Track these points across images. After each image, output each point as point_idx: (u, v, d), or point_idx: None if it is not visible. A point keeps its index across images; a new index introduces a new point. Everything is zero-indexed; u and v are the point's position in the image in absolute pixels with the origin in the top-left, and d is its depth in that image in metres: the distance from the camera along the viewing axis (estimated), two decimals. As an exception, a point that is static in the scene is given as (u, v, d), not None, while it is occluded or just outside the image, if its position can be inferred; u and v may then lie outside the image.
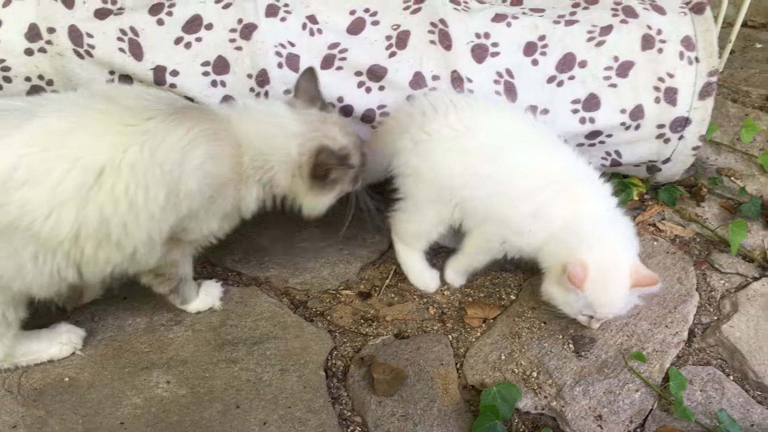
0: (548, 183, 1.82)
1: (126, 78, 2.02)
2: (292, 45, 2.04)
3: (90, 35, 1.97)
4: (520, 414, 1.75)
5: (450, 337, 1.94)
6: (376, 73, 2.06)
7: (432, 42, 2.08)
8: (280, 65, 2.02)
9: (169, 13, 2.02)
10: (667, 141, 2.17)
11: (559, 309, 1.84)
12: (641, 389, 1.79)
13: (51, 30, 1.94)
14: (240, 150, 1.68)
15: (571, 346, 1.89)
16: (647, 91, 2.11)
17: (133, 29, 2.00)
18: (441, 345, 1.91)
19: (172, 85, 2.00)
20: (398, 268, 2.12)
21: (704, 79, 2.10)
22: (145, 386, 1.75)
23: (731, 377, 1.85)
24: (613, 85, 2.11)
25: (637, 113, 2.12)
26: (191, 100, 1.99)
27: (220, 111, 1.74)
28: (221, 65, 2.02)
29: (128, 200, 1.48)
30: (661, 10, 2.15)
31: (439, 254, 2.17)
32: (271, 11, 2.05)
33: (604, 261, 1.74)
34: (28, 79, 1.99)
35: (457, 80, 2.06)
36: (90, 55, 1.97)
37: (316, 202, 1.81)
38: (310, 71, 1.86)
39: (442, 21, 2.08)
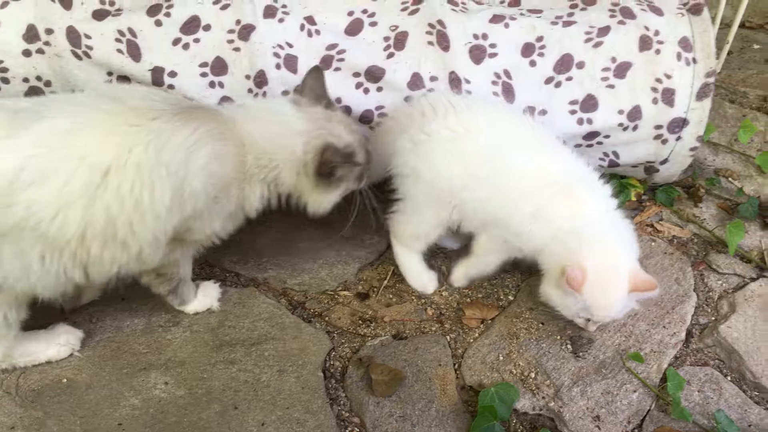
0: (547, 184, 1.82)
1: (124, 79, 2.02)
2: (290, 46, 2.04)
3: (88, 36, 1.97)
4: (518, 415, 1.75)
5: (448, 337, 1.94)
6: (374, 74, 2.07)
7: (430, 43, 2.08)
8: (278, 66, 2.02)
9: (167, 14, 2.02)
10: (664, 142, 2.17)
11: (556, 310, 1.85)
12: (639, 390, 1.79)
13: (49, 31, 1.94)
14: (244, 150, 1.68)
15: (569, 346, 1.89)
16: (645, 92, 2.12)
17: (131, 30, 2.00)
18: (439, 346, 1.91)
19: (170, 86, 2.00)
20: (396, 269, 2.12)
21: (702, 80, 2.10)
22: (143, 387, 1.75)
23: (729, 378, 1.86)
24: (611, 86, 2.11)
25: (635, 114, 2.12)
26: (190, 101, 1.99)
27: (225, 110, 1.74)
28: (219, 66, 2.02)
29: (134, 200, 1.48)
30: (658, 11, 2.15)
31: (437, 255, 2.17)
32: (269, 12, 2.05)
33: (603, 264, 1.74)
34: (26, 80, 1.99)
35: (455, 81, 2.07)
36: (88, 56, 1.97)
37: (321, 200, 1.81)
38: (317, 70, 1.86)
39: (440, 22, 2.09)
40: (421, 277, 2.08)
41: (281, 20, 2.05)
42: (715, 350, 1.92)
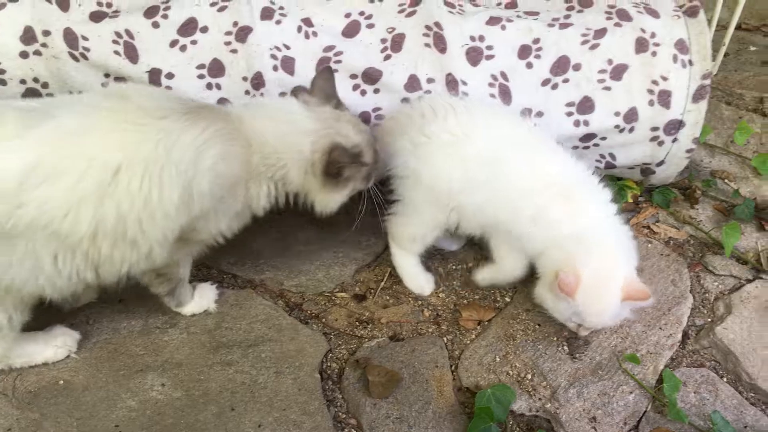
0: (546, 186, 1.82)
1: (121, 81, 2.02)
2: (288, 48, 2.04)
3: (85, 38, 1.97)
4: (514, 416, 1.76)
5: (445, 339, 1.95)
6: (371, 76, 2.07)
7: (427, 45, 2.09)
8: (275, 68, 2.02)
9: (165, 16, 2.02)
10: (660, 144, 2.18)
11: (549, 313, 1.85)
12: (635, 391, 1.79)
13: (46, 33, 1.94)
14: (250, 149, 1.68)
15: (565, 348, 1.90)
16: (641, 94, 2.12)
17: (128, 32, 2.00)
18: (436, 347, 1.91)
19: (168, 88, 2.00)
20: (393, 270, 2.12)
21: (698, 82, 2.11)
22: (140, 389, 1.75)
23: (725, 379, 1.86)
24: (607, 88, 2.12)
25: (631, 116, 2.12)
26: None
27: (233, 110, 1.75)
28: (216, 68, 2.03)
29: (143, 198, 1.49)
30: (654, 14, 2.16)
31: (434, 257, 2.17)
32: (267, 14, 2.05)
33: (599, 271, 1.73)
34: (23, 81, 1.99)
35: (451, 83, 2.07)
36: (85, 57, 1.97)
37: (328, 200, 1.81)
38: (328, 70, 1.88)
39: (437, 24, 2.09)
40: (418, 279, 2.09)
41: (278, 22, 2.05)
42: (711, 352, 1.93)
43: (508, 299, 2.07)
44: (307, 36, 2.07)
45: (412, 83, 2.07)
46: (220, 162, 1.59)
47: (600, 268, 1.74)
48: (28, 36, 1.95)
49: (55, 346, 1.80)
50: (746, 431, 1.72)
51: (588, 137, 2.15)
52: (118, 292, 1.79)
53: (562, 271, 1.70)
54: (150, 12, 2.02)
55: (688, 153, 2.21)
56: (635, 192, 2.43)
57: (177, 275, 1.82)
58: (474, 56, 2.10)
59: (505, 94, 2.10)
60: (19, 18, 1.94)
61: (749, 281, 2.13)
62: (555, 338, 1.92)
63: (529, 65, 2.12)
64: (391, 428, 1.70)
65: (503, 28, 2.13)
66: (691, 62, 2.11)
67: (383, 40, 2.10)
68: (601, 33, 2.12)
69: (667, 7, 2.18)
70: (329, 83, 1.86)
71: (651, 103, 2.12)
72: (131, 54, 1.99)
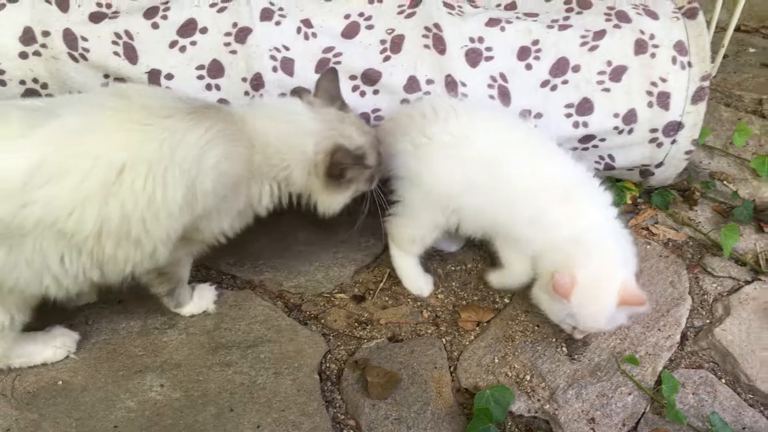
0: (546, 187, 1.82)
1: (120, 81, 2.02)
2: (287, 49, 2.05)
3: (85, 39, 1.97)
4: (513, 417, 1.76)
5: (444, 340, 1.95)
6: (370, 77, 2.07)
7: (426, 46, 2.09)
8: (274, 69, 2.02)
9: (164, 17, 2.02)
10: (660, 145, 2.18)
11: (544, 313, 1.85)
12: (634, 392, 1.80)
13: (46, 33, 1.95)
14: (253, 149, 1.69)
15: (564, 349, 1.90)
16: (640, 96, 2.12)
17: (127, 33, 2.00)
18: (435, 348, 1.91)
19: (167, 89, 2.00)
20: (392, 271, 2.12)
21: (697, 83, 2.11)
22: (139, 390, 1.75)
23: (723, 380, 1.86)
24: (607, 90, 2.12)
25: (630, 117, 2.13)
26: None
27: (237, 109, 1.75)
28: (216, 69, 2.03)
29: (147, 197, 1.49)
30: (654, 15, 2.16)
31: (433, 258, 2.17)
32: (266, 15, 2.05)
33: (595, 275, 1.72)
34: (22, 82, 1.99)
35: (451, 84, 2.07)
36: (85, 58, 1.98)
37: (331, 201, 1.82)
38: (332, 71, 1.88)
39: (436, 25, 2.09)
40: (417, 281, 2.09)
41: (278, 23, 2.06)
42: (709, 353, 1.93)
43: (507, 300, 2.07)
44: (306, 37, 2.07)
45: (412, 84, 2.07)
46: (223, 161, 1.59)
47: (597, 271, 1.73)
48: (27, 36, 1.95)
49: (54, 346, 1.80)
50: (745, 433, 1.72)
51: (587, 138, 2.16)
52: (118, 293, 1.79)
53: (558, 272, 1.70)
54: (149, 13, 2.02)
55: (687, 154, 2.21)
56: (634, 193, 2.43)
57: (177, 275, 1.83)
58: (473, 57, 2.10)
59: (505, 96, 2.10)
60: (18, 18, 1.94)
61: (748, 283, 2.13)
62: (554, 339, 1.92)
63: (529, 66, 2.12)
64: (389, 429, 1.70)
65: (502, 29, 2.13)
66: (690, 64, 2.11)
67: (382, 41, 2.10)
68: (600, 34, 2.13)
69: (666, 8, 2.19)
70: (333, 84, 1.86)
71: (650, 104, 2.12)
72: (131, 55, 1.99)
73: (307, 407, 1.73)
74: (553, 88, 2.12)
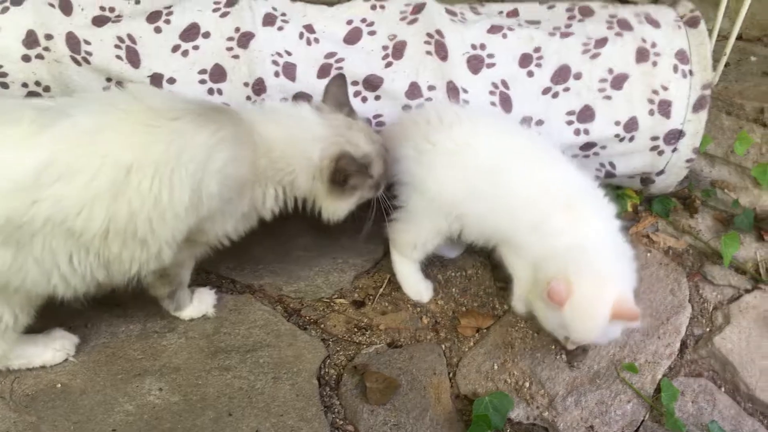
0: (548, 195, 1.81)
1: (123, 85, 2.02)
2: (289, 54, 2.05)
3: (87, 42, 1.97)
4: (512, 424, 1.76)
5: (443, 346, 1.95)
6: (372, 83, 2.07)
7: (428, 52, 2.09)
8: (276, 74, 2.03)
9: (167, 21, 2.02)
10: (660, 153, 2.18)
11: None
12: (633, 400, 1.79)
13: (48, 36, 1.95)
14: (258, 152, 1.69)
15: (563, 356, 1.90)
16: (641, 104, 2.13)
17: (130, 37, 2.00)
18: (434, 354, 1.91)
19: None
20: (392, 276, 2.12)
21: (698, 92, 2.11)
22: (138, 393, 1.75)
23: (723, 389, 1.86)
24: (608, 97, 2.12)
25: (631, 125, 2.13)
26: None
27: (244, 113, 1.75)
28: (218, 73, 2.03)
29: (154, 198, 1.50)
30: (655, 24, 2.17)
31: (433, 264, 2.17)
32: (269, 20, 2.05)
33: (591, 286, 1.69)
34: (25, 85, 1.99)
35: (452, 91, 2.07)
36: (87, 62, 1.98)
37: (335, 207, 1.82)
38: (341, 77, 1.88)
39: (438, 32, 2.09)
40: (417, 286, 2.09)
41: (280, 28, 2.06)
42: (709, 361, 1.93)
43: (506, 307, 2.07)
44: (308, 42, 2.08)
45: (413, 90, 2.08)
46: (229, 164, 1.60)
47: (593, 282, 1.70)
48: (30, 39, 1.95)
49: (54, 349, 1.80)
50: (744, 442, 1.72)
51: (588, 146, 2.16)
52: (118, 297, 1.79)
53: (555, 280, 1.68)
54: (152, 17, 2.02)
55: (687, 163, 2.21)
56: (635, 201, 2.43)
57: (180, 277, 1.83)
58: (475, 64, 2.10)
59: (506, 103, 2.10)
60: (21, 21, 1.95)
61: (748, 291, 2.13)
62: (553, 346, 1.92)
63: (530, 74, 2.12)
64: (388, 435, 1.70)
65: (504, 36, 2.13)
66: (691, 72, 2.12)
67: (384, 47, 2.10)
68: (602, 42, 2.13)
69: (668, 17, 2.19)
70: (342, 90, 1.86)
71: (651, 112, 2.12)
72: (133, 59, 2.00)
73: (306, 412, 1.73)
74: (555, 95, 2.12)
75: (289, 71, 2.04)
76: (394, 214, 2.00)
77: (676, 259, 2.24)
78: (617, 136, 2.14)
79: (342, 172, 1.73)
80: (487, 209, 1.86)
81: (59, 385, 1.76)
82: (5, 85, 1.99)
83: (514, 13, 2.28)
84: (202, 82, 2.02)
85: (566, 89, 2.12)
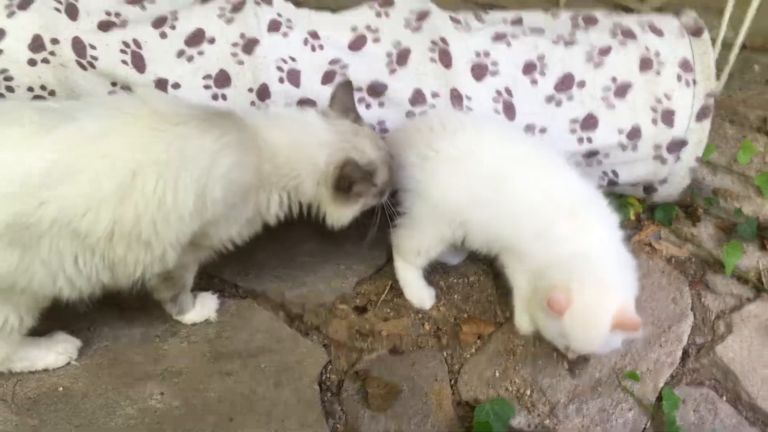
0: (552, 202, 1.81)
1: (128, 90, 2.03)
2: (294, 60, 2.06)
3: (93, 47, 1.98)
4: (513, 431, 1.75)
5: (445, 353, 1.95)
6: (376, 90, 2.08)
7: (432, 60, 2.10)
8: (281, 80, 2.03)
9: (173, 27, 2.03)
10: (663, 162, 2.18)
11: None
12: (634, 408, 1.79)
13: (54, 41, 1.96)
14: (263, 158, 1.70)
15: (564, 364, 1.90)
16: (645, 112, 2.13)
17: (136, 42, 2.01)
18: (436, 361, 1.91)
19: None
20: (394, 283, 2.12)
21: (701, 101, 2.12)
22: (139, 397, 1.75)
23: (724, 398, 1.86)
24: (611, 106, 2.13)
25: (635, 134, 2.13)
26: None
27: (249, 118, 1.75)
28: (223, 79, 2.04)
29: (158, 200, 1.51)
30: (659, 33, 2.17)
31: (435, 270, 2.17)
32: (274, 26, 2.06)
33: (592, 295, 1.67)
34: (30, 89, 2.00)
35: (456, 98, 2.08)
36: (93, 66, 1.99)
37: (340, 213, 1.82)
38: (348, 83, 1.89)
39: (442, 39, 2.10)
40: (419, 293, 2.08)
41: (285, 34, 2.07)
42: (711, 370, 1.92)
43: (508, 314, 2.07)
44: (313, 49, 2.08)
45: (417, 97, 2.08)
46: (233, 170, 1.61)
47: (594, 291, 1.68)
48: (36, 44, 1.96)
49: (57, 352, 1.80)
50: (745, 451, 1.72)
51: (591, 154, 2.16)
52: (120, 300, 1.79)
53: (555, 288, 1.67)
54: (158, 22, 2.03)
55: (690, 171, 2.21)
56: (637, 209, 2.43)
57: (183, 280, 1.83)
58: (479, 72, 2.11)
59: (509, 110, 2.11)
60: (27, 26, 1.95)
61: (750, 300, 2.13)
62: (555, 354, 1.92)
63: (534, 82, 2.13)
64: (389, 441, 1.70)
65: (508, 44, 2.14)
66: (695, 81, 2.12)
67: (389, 54, 2.11)
68: (605, 51, 2.14)
69: (672, 26, 2.20)
70: (348, 96, 1.87)
71: (654, 121, 2.13)
72: (138, 63, 2.01)
73: (307, 418, 1.73)
74: (558, 103, 2.13)
75: (294, 77, 2.04)
76: (398, 221, 2.01)
77: (678, 268, 2.24)
78: (620, 144, 2.14)
79: (346, 179, 1.73)
80: (490, 216, 1.85)
81: (61, 389, 1.76)
82: (11, 89, 1.99)
83: (518, 22, 2.28)
84: (207, 87, 2.03)
85: (570, 97, 2.13)
